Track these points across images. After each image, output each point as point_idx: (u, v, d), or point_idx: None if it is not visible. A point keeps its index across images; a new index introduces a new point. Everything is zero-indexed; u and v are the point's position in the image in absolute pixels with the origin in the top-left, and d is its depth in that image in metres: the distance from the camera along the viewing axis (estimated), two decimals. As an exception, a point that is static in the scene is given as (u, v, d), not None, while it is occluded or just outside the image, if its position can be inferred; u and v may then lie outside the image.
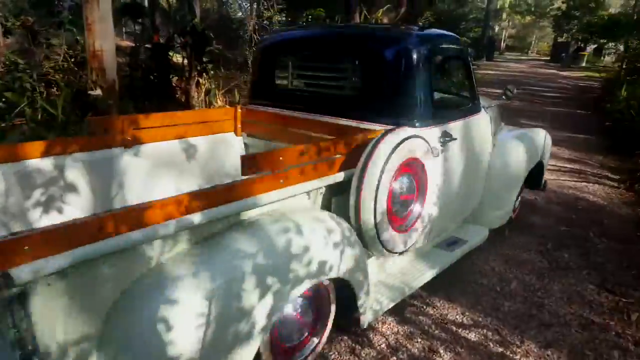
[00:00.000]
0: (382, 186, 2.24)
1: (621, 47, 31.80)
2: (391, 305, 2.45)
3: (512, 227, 3.96)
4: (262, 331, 1.73)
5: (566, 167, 6.29)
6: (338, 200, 2.34)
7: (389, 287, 2.58)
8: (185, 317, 1.49)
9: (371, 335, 2.49)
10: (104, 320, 1.47)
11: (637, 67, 14.38)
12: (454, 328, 2.57)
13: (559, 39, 37.89)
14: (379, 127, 2.57)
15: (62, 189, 2.36)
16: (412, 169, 2.48)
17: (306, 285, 1.90)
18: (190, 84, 7.32)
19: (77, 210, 2.40)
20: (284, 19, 26.29)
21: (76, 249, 1.30)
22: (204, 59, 7.68)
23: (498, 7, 44.46)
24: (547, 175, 5.71)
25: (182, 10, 10.47)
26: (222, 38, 17.37)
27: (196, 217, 1.60)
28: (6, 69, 5.97)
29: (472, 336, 2.50)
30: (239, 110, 3.31)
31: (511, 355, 2.37)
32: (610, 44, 34.95)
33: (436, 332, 2.53)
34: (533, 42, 52.54)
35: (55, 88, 6.36)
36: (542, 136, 4.04)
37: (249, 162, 1.92)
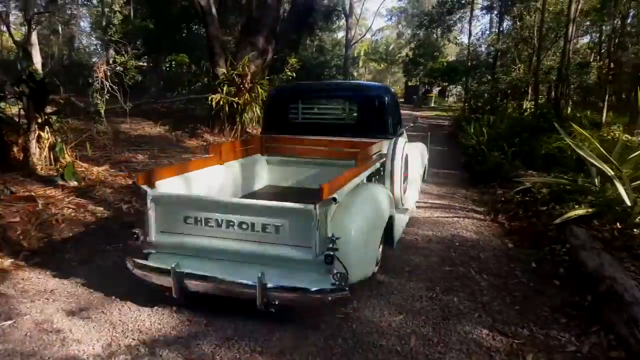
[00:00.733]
0: (401, 169, 4.65)
1: (459, 89, 35.63)
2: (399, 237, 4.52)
3: (400, 272, 3.89)
4: (380, 226, 3.64)
5: (437, 203, 6.56)
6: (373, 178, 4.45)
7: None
8: (359, 217, 3.30)
9: None
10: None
11: (478, 106, 15.99)
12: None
13: (409, 83, 41.34)
14: (367, 140, 4.63)
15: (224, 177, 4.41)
16: (405, 159, 4.89)
17: (387, 215, 3.79)
18: (29, 139, 6.38)
19: (229, 188, 4.48)
20: (144, 63, 25.28)
21: (341, 188, 3.11)
22: (47, 110, 6.79)
23: (355, 54, 47.55)
24: (421, 213, 5.90)
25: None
26: (73, 85, 16.12)
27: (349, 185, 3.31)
28: None
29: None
30: (262, 139, 5.35)
31: None
32: (451, 86, 38.98)
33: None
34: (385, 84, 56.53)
35: None
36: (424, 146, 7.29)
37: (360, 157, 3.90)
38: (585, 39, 23.67)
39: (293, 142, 5.19)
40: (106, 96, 8.02)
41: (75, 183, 6.13)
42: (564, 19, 14.63)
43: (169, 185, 3.55)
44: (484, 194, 7.18)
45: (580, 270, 3.76)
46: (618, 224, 4.35)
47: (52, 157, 6.59)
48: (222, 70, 10.88)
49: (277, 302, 2.89)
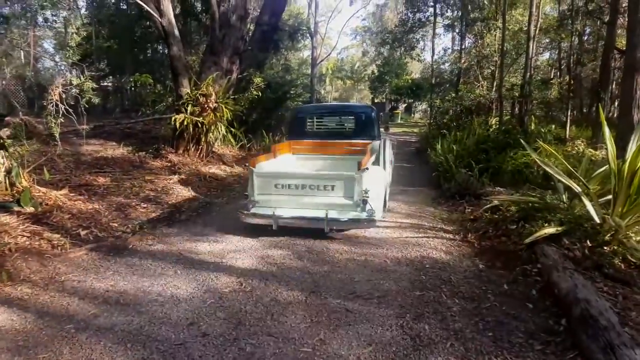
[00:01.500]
0: (390, 154, 8.08)
1: (424, 106, 36.21)
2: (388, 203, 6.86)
3: (369, 298, 3.74)
4: (384, 187, 6.21)
5: (406, 222, 6.44)
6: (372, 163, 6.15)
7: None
8: (375, 181, 5.58)
9: None
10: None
11: (443, 123, 16.14)
12: None
13: (376, 100, 41.81)
14: (363, 141, 7.11)
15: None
16: (389, 150, 8.03)
17: (385, 182, 6.54)
18: (-18, 164, 6.03)
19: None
20: (108, 84, 24.77)
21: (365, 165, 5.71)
22: (2, 133, 6.46)
23: (323, 72, 47.93)
24: (390, 233, 5.78)
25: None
26: (34, 107, 15.61)
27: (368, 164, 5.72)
28: None
29: None
30: (290, 143, 7.70)
31: None
32: (416, 102, 39.59)
33: None
34: (355, 103, 57.23)
35: None
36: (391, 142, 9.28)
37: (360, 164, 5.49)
38: (546, 56, 24.38)
39: (309, 144, 7.71)
40: (60, 119, 7.65)
41: (33, 209, 5.80)
42: (524, 36, 14.98)
43: (260, 166, 5.96)
44: (453, 212, 7.12)
45: (553, 292, 3.67)
46: (588, 242, 4.30)
47: (7, 182, 6.24)
48: (185, 90, 10.65)
49: (335, 228, 5.59)
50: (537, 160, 5.79)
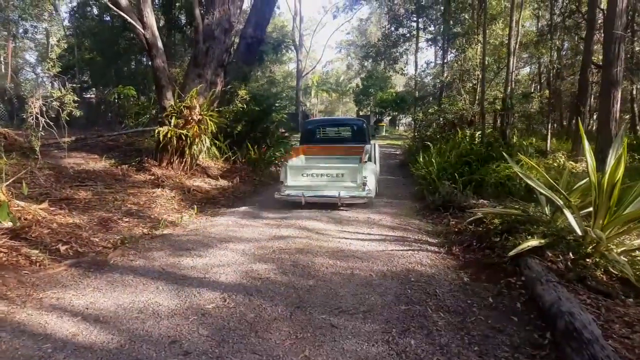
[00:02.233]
0: (378, 154, 10.73)
1: (409, 119, 36.50)
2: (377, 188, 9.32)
3: (355, 313, 3.71)
4: (376, 176, 9.38)
5: (390, 235, 6.44)
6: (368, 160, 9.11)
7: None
8: (370, 171, 8.65)
9: None
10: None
11: (427, 135, 16.29)
12: None
13: (361, 113, 42.05)
14: (358, 145, 9.94)
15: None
16: (377, 151, 10.76)
17: (376, 173, 9.69)
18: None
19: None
20: (92, 96, 24.51)
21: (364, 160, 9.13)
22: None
23: (310, 84, 48.18)
24: (376, 246, 5.77)
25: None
26: (15, 120, 15.36)
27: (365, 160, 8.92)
28: None
29: None
30: (304, 147, 10.45)
31: None
32: (400, 115, 39.89)
33: None
34: (340, 116, 57.63)
35: None
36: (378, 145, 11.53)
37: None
38: (526, 70, 24.79)
39: (317, 149, 10.47)
40: (41, 132, 7.54)
41: (10, 224, 5.66)
42: (505, 50, 15.23)
43: (291, 162, 8.97)
44: (438, 225, 7.14)
45: (537, 305, 3.69)
46: (571, 254, 4.33)
47: (-17, 197, 6.08)
48: (169, 102, 10.59)
49: (345, 203, 8.16)
50: (520, 174, 5.84)
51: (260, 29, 14.77)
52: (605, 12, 10.84)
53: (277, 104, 15.51)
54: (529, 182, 5.41)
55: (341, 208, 8.23)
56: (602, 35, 11.69)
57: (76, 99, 8.02)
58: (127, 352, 3.13)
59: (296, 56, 40.74)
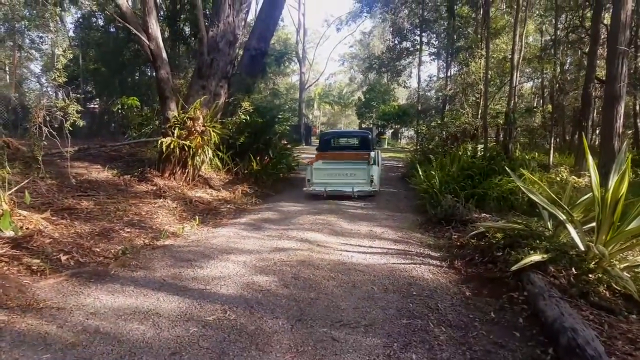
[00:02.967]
0: (380, 158, 14.29)
1: (411, 132, 36.59)
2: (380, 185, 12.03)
3: (356, 326, 3.68)
4: (379, 174, 12.59)
5: (392, 248, 6.42)
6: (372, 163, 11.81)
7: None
8: (375, 171, 11.51)
9: None
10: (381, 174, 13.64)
11: (429, 149, 16.32)
12: None
13: (363, 125, 42.17)
14: (364, 152, 12.57)
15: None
16: (380, 156, 14.45)
17: (379, 173, 12.70)
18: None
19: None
20: (95, 106, 24.61)
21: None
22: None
23: (312, 96, 48.39)
24: (377, 259, 5.75)
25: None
26: (20, 129, 15.43)
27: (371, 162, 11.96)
28: None
29: None
30: (322, 153, 13.13)
31: None
32: (403, 128, 39.98)
33: None
34: (342, 128, 57.81)
35: None
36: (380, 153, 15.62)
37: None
38: (529, 84, 24.87)
39: (331, 154, 12.97)
40: (44, 142, 7.57)
41: (12, 233, 5.66)
42: (508, 64, 15.29)
43: (315, 164, 11.62)
44: (440, 238, 7.12)
45: (539, 320, 3.66)
46: (573, 270, 4.31)
47: (-14, 207, 6.09)
48: (173, 113, 10.63)
49: (357, 195, 10.71)
50: (523, 189, 5.84)
51: (265, 41, 14.87)
52: (609, 27, 10.90)
53: (280, 116, 15.54)
54: (532, 196, 5.40)
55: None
56: (606, 50, 11.74)
57: (80, 109, 8.04)
58: (127, 363, 3.11)
59: (299, 68, 40.93)
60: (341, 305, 4.21)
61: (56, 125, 7.81)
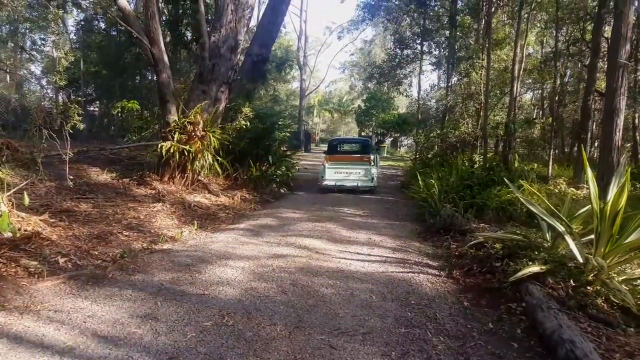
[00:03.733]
0: (379, 162, 17.97)
1: (410, 141, 36.68)
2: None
3: (354, 334, 3.68)
4: (378, 174, 15.84)
5: (391, 257, 6.42)
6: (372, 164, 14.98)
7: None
8: (375, 171, 14.95)
9: None
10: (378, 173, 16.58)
11: (428, 158, 16.36)
12: None
13: (362, 133, 42.26)
14: (366, 155, 15.08)
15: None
16: (378, 158, 18.43)
17: (378, 172, 15.99)
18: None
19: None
20: (95, 109, 24.63)
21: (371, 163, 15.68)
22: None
23: (312, 103, 48.49)
24: (376, 268, 5.75)
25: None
26: (20, 130, 15.40)
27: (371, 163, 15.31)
28: None
29: None
30: (330, 156, 15.30)
31: None
32: (402, 137, 40.04)
33: None
34: (342, 135, 57.90)
35: None
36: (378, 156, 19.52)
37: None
38: (529, 95, 24.97)
39: (338, 157, 15.28)
40: (43, 144, 7.57)
41: (11, 234, 5.65)
42: (509, 75, 15.36)
43: (328, 164, 14.35)
44: (438, 248, 7.13)
45: (537, 331, 3.66)
46: (572, 281, 4.32)
47: (-15, 209, 6.07)
48: (173, 117, 10.64)
49: (360, 189, 13.84)
50: (522, 200, 5.85)
51: (266, 47, 14.93)
52: (610, 40, 10.97)
53: (280, 122, 15.59)
54: (531, 207, 5.42)
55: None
56: (606, 63, 11.81)
57: (80, 111, 8.05)
58: (124, 367, 3.10)
59: (300, 75, 41.06)
60: (339, 312, 4.21)
61: (56, 128, 7.80)
